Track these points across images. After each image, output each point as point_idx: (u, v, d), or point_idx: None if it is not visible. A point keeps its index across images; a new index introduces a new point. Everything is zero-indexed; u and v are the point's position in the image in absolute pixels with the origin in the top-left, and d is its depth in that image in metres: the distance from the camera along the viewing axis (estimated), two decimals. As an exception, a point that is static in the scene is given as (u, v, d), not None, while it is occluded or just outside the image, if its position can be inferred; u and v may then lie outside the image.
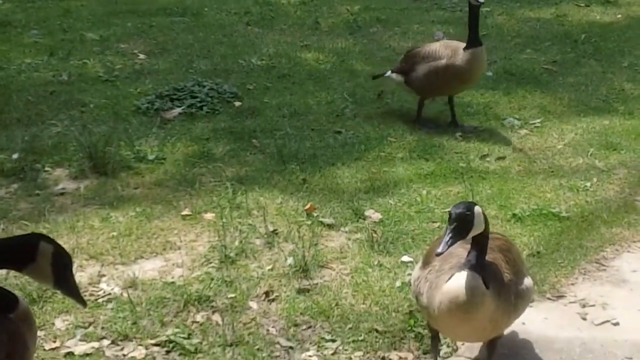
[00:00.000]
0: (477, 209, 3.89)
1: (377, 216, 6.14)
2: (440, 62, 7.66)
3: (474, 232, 3.91)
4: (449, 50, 7.68)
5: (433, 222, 6.07)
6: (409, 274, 5.18)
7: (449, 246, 3.83)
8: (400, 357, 4.59)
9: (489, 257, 4.07)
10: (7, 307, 3.18)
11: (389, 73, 8.11)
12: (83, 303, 3.58)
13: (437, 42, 8.05)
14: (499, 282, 4.05)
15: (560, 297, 5.20)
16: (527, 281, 4.33)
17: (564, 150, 7.42)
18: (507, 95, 8.71)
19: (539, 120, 8.06)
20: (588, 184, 6.73)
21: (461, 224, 3.86)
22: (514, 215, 6.14)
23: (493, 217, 6.11)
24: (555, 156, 7.30)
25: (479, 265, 3.94)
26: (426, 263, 4.26)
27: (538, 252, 5.65)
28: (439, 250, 3.83)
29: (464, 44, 7.64)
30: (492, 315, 4.00)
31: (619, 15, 11.72)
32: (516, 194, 6.54)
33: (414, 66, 7.82)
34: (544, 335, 4.78)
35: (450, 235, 3.85)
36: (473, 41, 7.57)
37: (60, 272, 3.33)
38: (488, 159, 7.23)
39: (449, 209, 3.99)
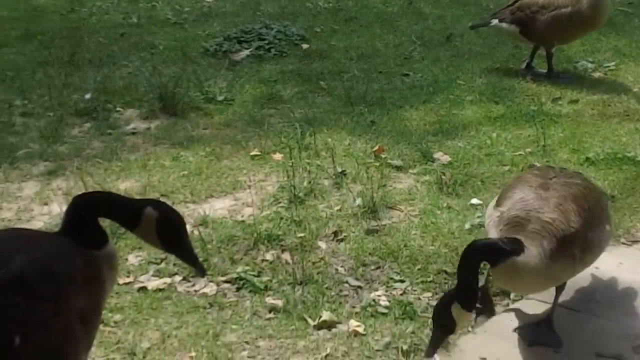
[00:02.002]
0: (453, 306, 3.63)
1: (445, 158, 6.09)
2: (564, 10, 7.39)
3: (462, 322, 3.70)
4: None
5: (503, 165, 6.00)
6: (478, 217, 5.15)
7: (434, 349, 3.71)
8: (470, 299, 4.56)
9: (558, 208, 3.92)
10: (95, 244, 3.19)
11: (495, 22, 7.73)
12: (201, 270, 3.43)
13: None
14: (557, 243, 3.85)
15: (635, 242, 5.11)
16: (603, 230, 4.16)
17: (639, 94, 7.26)
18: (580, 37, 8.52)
19: (613, 63, 7.90)
20: (665, 127, 6.60)
21: (441, 326, 3.67)
22: (587, 159, 6.04)
23: (565, 161, 6.03)
24: (630, 100, 7.15)
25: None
26: (498, 204, 4.19)
27: (612, 197, 5.55)
28: (426, 356, 3.76)
29: None
30: (547, 276, 3.87)
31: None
32: (589, 137, 6.43)
33: (533, 16, 7.49)
34: (618, 279, 4.71)
35: (433, 337, 3.72)
36: None
37: (165, 237, 3.24)
38: (560, 102, 7.11)
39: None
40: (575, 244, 3.92)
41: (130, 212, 3.21)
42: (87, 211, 3.20)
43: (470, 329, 4.24)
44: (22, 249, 2.77)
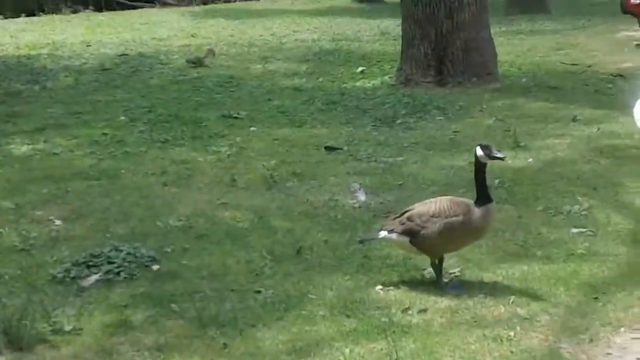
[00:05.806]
0: None
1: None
2: (456, 220, 7.53)
3: None
4: (462, 207, 7.59)
5: (358, 381, 5.99)
6: None
7: None
8: None
9: None
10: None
11: (384, 234, 7.81)
12: None
13: (441, 200, 7.80)
14: None
15: None
16: None
17: (485, 299, 7.42)
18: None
19: (458, 269, 8.09)
20: (511, 333, 6.73)
21: None
22: (439, 370, 6.10)
23: (418, 373, 6.07)
24: (477, 305, 7.29)
25: None
26: None
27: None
28: None
29: (470, 201, 7.66)
30: None
31: (530, 160, 11.91)
32: (440, 347, 6.50)
33: (423, 225, 7.58)
34: None
35: None
36: (484, 197, 7.61)
37: None
38: (410, 312, 7.20)
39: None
40: None
41: None
42: None
43: None
44: None
